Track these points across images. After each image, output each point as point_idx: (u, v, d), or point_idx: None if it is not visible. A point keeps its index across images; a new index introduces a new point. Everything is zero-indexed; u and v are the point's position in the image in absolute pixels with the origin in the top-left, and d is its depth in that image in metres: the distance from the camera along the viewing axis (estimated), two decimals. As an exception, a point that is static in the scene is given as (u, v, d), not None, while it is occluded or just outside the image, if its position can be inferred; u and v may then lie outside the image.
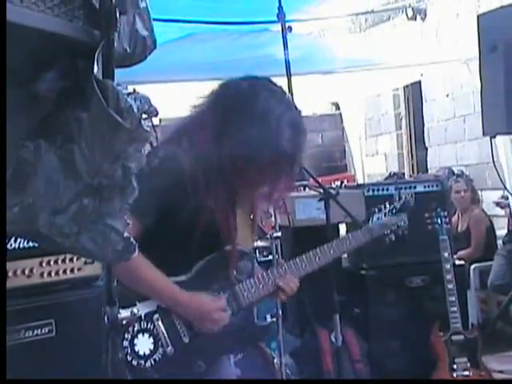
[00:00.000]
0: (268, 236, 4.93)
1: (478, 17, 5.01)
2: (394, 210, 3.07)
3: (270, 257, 4.40)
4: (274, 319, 4.49)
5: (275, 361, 4.39)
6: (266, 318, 2.74)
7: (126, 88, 1.17)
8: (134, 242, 1.25)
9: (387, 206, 3.08)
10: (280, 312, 4.44)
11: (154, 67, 4.59)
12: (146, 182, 2.25)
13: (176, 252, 2.33)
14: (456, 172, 7.20)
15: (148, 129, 1.16)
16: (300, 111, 2.40)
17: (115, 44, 1.18)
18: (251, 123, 2.23)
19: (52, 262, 3.15)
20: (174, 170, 2.27)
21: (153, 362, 2.26)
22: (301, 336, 4.92)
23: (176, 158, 2.30)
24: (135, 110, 1.14)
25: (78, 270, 3.21)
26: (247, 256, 2.51)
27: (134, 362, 2.23)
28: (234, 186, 2.37)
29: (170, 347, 2.30)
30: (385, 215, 3.04)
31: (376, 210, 3.07)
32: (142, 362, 2.24)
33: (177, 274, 2.34)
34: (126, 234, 1.22)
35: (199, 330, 2.34)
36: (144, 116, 1.23)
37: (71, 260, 3.18)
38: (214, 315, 2.34)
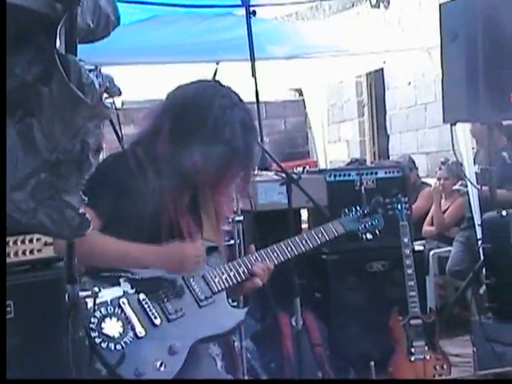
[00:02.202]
0: (230, 220, 4.94)
1: (439, 6, 5.06)
2: (365, 211, 3.05)
3: (232, 241, 4.40)
4: (236, 303, 4.51)
5: (236, 344, 4.41)
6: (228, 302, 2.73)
7: (89, 65, 1.16)
8: (89, 218, 1.25)
9: (358, 208, 3.07)
10: (241, 296, 4.46)
11: (116, 49, 4.55)
12: (104, 179, 2.31)
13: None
14: (441, 159, 7.29)
15: (108, 106, 1.15)
16: (248, 109, 2.50)
17: (78, 19, 1.17)
18: (200, 125, 2.35)
19: (11, 243, 3.11)
20: (125, 169, 2.36)
21: (123, 344, 2.25)
22: (261, 320, 4.94)
23: (127, 158, 2.40)
24: (97, 86, 1.13)
25: (38, 251, 3.18)
26: (217, 251, 2.53)
27: (104, 345, 2.22)
28: (192, 185, 2.47)
29: (140, 329, 2.30)
30: (358, 214, 3.03)
31: (348, 209, 3.05)
32: (112, 344, 2.23)
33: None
34: (81, 210, 1.22)
35: (171, 312, 2.35)
36: (106, 95, 1.22)
37: (31, 241, 3.15)
38: (194, 252, 2.39)
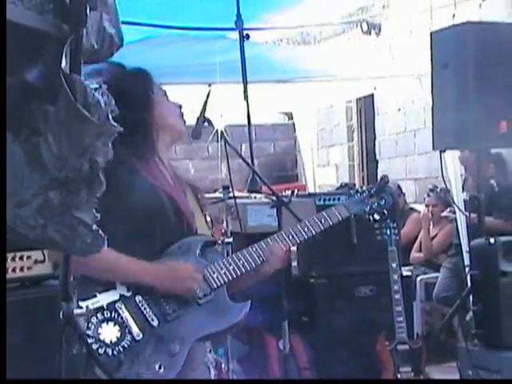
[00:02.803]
0: (219, 242, 4.94)
1: (430, 34, 5.12)
2: (371, 191, 2.81)
3: (221, 262, 4.40)
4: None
5: (223, 366, 4.40)
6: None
7: (94, 83, 1.18)
8: (103, 234, 1.25)
9: (364, 189, 2.85)
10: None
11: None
12: None
13: (140, 244, 2.34)
14: (429, 186, 7.32)
15: (115, 124, 1.17)
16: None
17: (83, 39, 1.19)
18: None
19: (1, 261, 3.11)
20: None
21: (121, 349, 2.23)
22: (248, 342, 4.94)
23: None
24: (102, 104, 1.15)
25: (28, 268, 3.18)
26: (214, 245, 2.52)
27: (101, 351, 2.19)
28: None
29: (138, 332, 2.27)
30: (361, 195, 2.81)
31: (351, 192, 2.86)
32: (110, 350, 2.21)
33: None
34: (94, 227, 1.23)
35: (169, 312, 2.33)
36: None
37: (21, 258, 3.15)
38: (188, 276, 2.34)
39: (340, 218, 2.70)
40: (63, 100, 1.12)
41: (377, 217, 2.79)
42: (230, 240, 4.73)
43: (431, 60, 5.05)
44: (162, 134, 2.50)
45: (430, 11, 7.73)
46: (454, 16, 7.23)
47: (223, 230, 4.90)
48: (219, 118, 6.29)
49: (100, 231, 1.24)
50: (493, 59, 4.77)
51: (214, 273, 2.41)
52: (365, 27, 8.79)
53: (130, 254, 2.29)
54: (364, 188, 2.87)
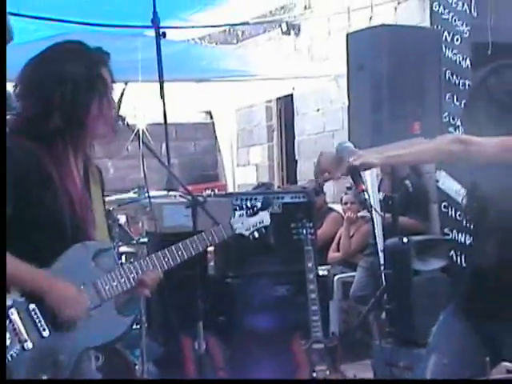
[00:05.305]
0: (134, 241, 4.89)
1: (346, 35, 5.17)
2: (255, 209, 3.03)
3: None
4: (138, 326, 4.46)
5: (137, 368, 4.35)
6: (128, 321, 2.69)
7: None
8: None
9: (248, 205, 3.06)
10: (144, 319, 4.41)
11: (19, 65, 4.47)
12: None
13: (37, 245, 2.31)
14: (346, 185, 7.35)
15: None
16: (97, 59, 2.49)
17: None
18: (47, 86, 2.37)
19: None
20: (23, 160, 2.26)
21: (9, 358, 2.20)
22: (164, 343, 4.90)
23: (22, 148, 2.30)
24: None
25: None
26: (107, 251, 2.50)
27: None
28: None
29: (27, 342, 2.25)
30: (246, 213, 3.01)
31: (237, 207, 3.05)
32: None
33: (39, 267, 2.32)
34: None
35: (60, 323, 2.31)
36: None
37: None
38: (76, 303, 2.34)
39: (225, 236, 2.85)
40: None
41: (256, 235, 2.97)
42: (145, 240, 4.68)
43: (347, 61, 5.09)
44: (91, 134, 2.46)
45: (347, 13, 7.81)
46: (370, 18, 7.33)
47: (140, 231, 4.86)
48: (141, 117, 6.22)
49: None
50: (406, 61, 4.85)
51: (105, 284, 2.43)
52: (284, 27, 8.81)
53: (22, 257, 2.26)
54: (247, 206, 3.04)
